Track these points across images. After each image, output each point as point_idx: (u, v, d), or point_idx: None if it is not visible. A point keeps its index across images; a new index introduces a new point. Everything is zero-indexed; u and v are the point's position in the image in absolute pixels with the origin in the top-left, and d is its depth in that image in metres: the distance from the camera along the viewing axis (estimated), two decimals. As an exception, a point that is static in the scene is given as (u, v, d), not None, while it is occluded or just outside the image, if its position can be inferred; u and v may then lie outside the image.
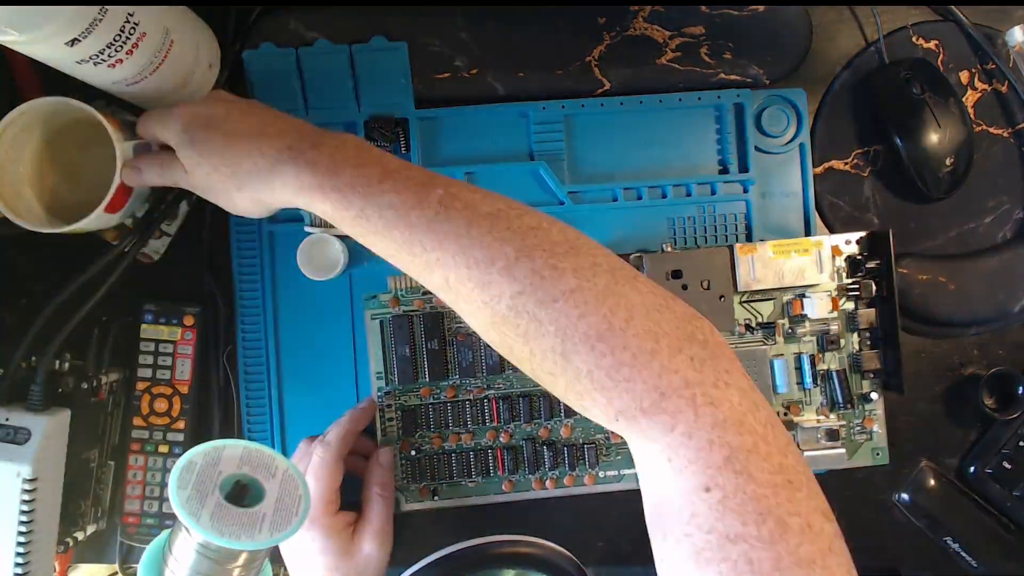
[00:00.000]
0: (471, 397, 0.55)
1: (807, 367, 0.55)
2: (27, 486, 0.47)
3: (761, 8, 0.55)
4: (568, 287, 0.35)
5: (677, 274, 0.53)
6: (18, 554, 0.48)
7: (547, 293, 0.35)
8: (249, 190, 0.44)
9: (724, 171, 0.57)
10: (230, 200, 0.46)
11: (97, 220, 0.49)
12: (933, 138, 0.54)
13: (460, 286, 0.37)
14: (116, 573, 0.56)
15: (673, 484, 0.32)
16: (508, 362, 0.54)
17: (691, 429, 0.32)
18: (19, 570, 0.48)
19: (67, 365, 0.52)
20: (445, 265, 0.37)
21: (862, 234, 0.55)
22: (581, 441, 0.55)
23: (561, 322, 0.35)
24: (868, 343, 0.55)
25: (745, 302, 0.55)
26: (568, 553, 0.52)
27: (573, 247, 0.37)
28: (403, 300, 0.55)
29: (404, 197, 0.38)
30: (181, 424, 0.54)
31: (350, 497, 0.52)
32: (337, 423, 0.51)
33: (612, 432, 0.55)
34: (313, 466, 0.49)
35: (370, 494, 0.51)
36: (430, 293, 0.55)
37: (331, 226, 0.54)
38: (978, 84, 0.57)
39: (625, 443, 0.55)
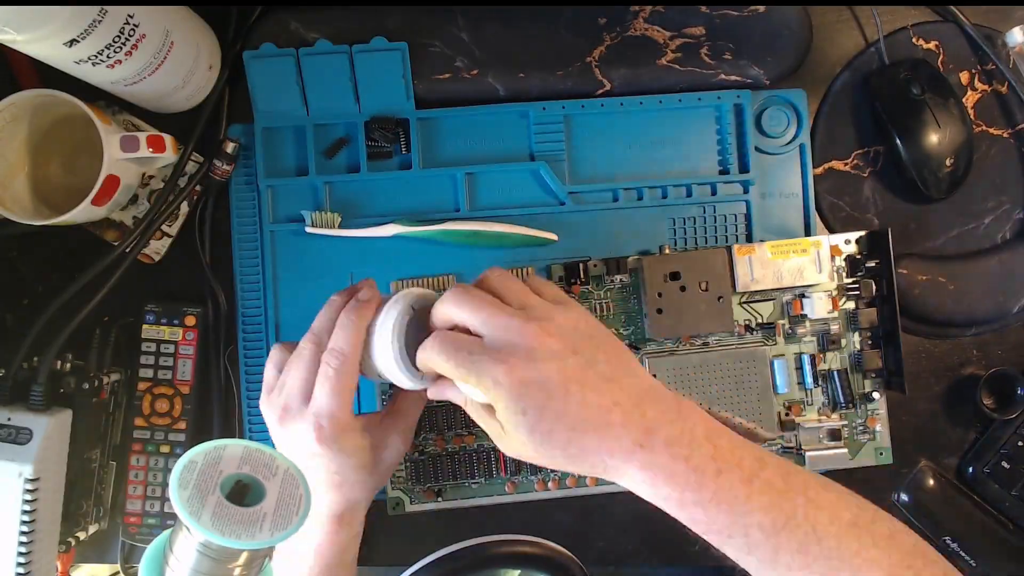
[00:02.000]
0: (472, 397, 0.55)
1: (808, 367, 0.55)
2: (29, 486, 0.48)
3: (761, 8, 0.55)
4: None
5: (675, 276, 0.53)
6: (20, 554, 0.48)
7: None
8: (585, 473, 0.39)
9: (724, 172, 0.57)
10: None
11: (84, 213, 0.49)
12: (933, 138, 0.54)
13: None
14: (118, 573, 0.56)
15: None
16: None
17: None
18: (21, 570, 0.48)
19: (68, 365, 0.52)
20: None
21: (861, 234, 0.55)
22: (581, 441, 0.55)
23: None
24: (869, 342, 0.55)
25: (745, 303, 0.55)
26: (568, 553, 0.52)
27: (923, 554, 0.38)
28: (404, 301, 0.55)
29: (772, 516, 0.36)
30: (182, 424, 0.54)
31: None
32: (341, 326, 0.44)
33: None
34: (329, 380, 0.43)
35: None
36: (431, 293, 0.55)
37: (333, 227, 0.54)
38: (978, 85, 0.57)
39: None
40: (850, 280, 0.55)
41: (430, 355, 0.39)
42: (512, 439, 0.38)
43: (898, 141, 0.55)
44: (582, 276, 0.55)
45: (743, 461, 0.37)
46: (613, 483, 0.52)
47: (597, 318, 0.55)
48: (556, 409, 0.37)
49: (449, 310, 0.40)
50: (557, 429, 0.37)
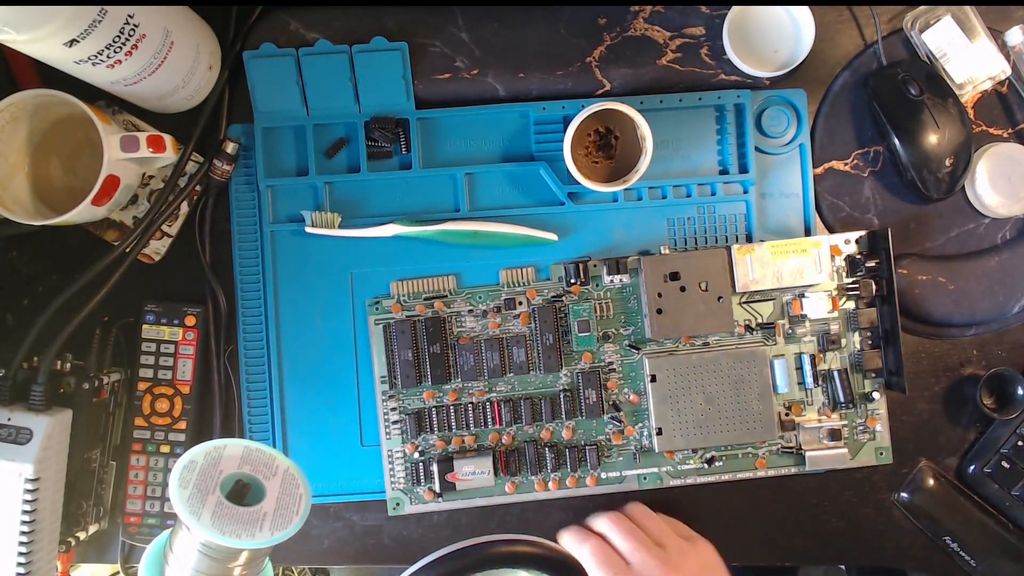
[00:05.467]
0: (473, 400, 0.55)
1: (808, 367, 0.55)
2: (29, 486, 0.48)
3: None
4: None
5: (675, 276, 0.53)
6: (20, 554, 0.48)
7: None
8: None
9: (724, 172, 0.57)
10: None
11: (84, 213, 0.49)
12: (932, 139, 0.54)
13: None
14: (118, 572, 0.56)
15: None
16: (509, 365, 0.55)
17: None
18: (21, 569, 0.48)
19: (69, 365, 0.52)
20: None
21: (861, 234, 0.55)
22: (583, 443, 0.55)
23: None
24: (870, 342, 0.55)
25: (744, 303, 0.55)
26: (569, 553, 0.52)
27: None
28: (406, 305, 0.55)
29: None
30: (182, 424, 0.54)
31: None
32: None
33: (613, 433, 0.55)
34: None
35: None
36: (432, 298, 0.55)
37: (333, 227, 0.54)
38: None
39: (626, 445, 0.55)
40: (850, 280, 0.55)
41: (581, 551, 0.48)
42: None
43: (897, 141, 0.55)
44: (582, 276, 0.55)
45: None
46: (613, 483, 0.53)
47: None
48: None
49: (605, 527, 0.50)
50: None
